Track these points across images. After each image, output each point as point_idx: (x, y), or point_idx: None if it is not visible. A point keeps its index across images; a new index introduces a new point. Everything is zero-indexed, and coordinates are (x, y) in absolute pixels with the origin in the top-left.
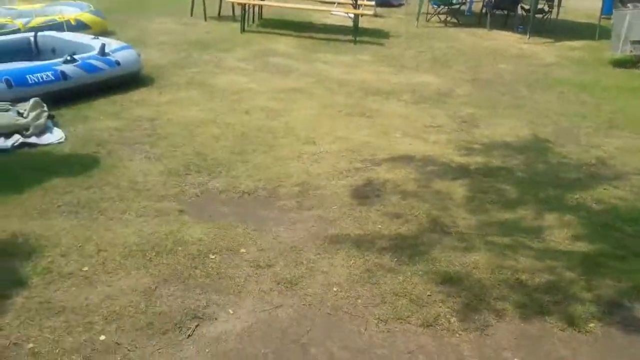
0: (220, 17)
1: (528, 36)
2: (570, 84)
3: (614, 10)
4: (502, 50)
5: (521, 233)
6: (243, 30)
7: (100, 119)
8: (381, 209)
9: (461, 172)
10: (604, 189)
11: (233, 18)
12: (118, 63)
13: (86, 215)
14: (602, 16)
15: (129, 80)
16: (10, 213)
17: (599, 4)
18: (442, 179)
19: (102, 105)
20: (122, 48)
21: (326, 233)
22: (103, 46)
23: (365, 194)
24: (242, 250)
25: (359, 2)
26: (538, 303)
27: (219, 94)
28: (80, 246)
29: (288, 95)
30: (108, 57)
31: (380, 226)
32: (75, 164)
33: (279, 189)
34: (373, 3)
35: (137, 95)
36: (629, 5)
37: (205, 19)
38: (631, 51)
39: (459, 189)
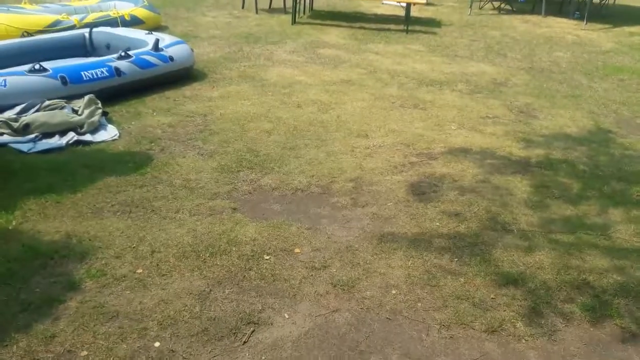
0: (271, 9)
1: (585, 22)
2: (630, 71)
3: None
4: (558, 37)
5: (586, 230)
6: (294, 22)
7: (154, 115)
8: (438, 206)
9: (521, 165)
10: None
11: (284, 10)
12: (171, 58)
13: (140, 215)
14: None
15: (181, 75)
16: (65, 213)
17: None
18: (501, 174)
19: (155, 101)
20: (176, 43)
21: (382, 231)
22: (157, 42)
23: (421, 189)
24: (297, 250)
25: None
26: (608, 305)
27: (270, 87)
28: (134, 247)
29: (339, 87)
30: (161, 52)
31: (438, 224)
32: (129, 162)
33: (332, 185)
34: None
35: (189, 90)
36: None
37: (257, 12)
38: None
39: (519, 184)
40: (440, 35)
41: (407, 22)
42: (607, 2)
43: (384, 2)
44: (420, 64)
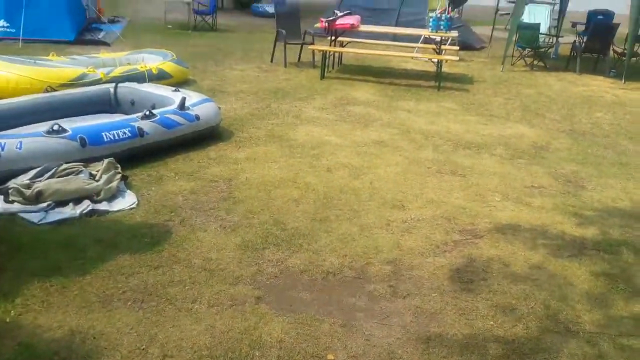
0: (299, 63)
1: (623, 81)
2: None
3: None
4: (596, 96)
5: None
6: (323, 76)
7: (176, 179)
8: (490, 298)
9: (577, 247)
10: None
11: (313, 64)
12: (198, 118)
13: (152, 306)
14: None
15: (207, 135)
16: (71, 301)
17: None
18: (557, 257)
19: (178, 163)
20: (203, 101)
21: (428, 332)
22: (183, 100)
23: (469, 276)
24: (330, 357)
25: (441, 47)
26: None
27: (298, 148)
28: (143, 349)
29: (371, 149)
30: (188, 111)
31: (492, 322)
32: (145, 236)
33: (368, 268)
34: (457, 47)
35: (214, 151)
36: None
37: (286, 65)
38: None
39: (577, 271)
40: (474, 93)
41: (439, 79)
42: None
43: (415, 56)
44: (455, 124)
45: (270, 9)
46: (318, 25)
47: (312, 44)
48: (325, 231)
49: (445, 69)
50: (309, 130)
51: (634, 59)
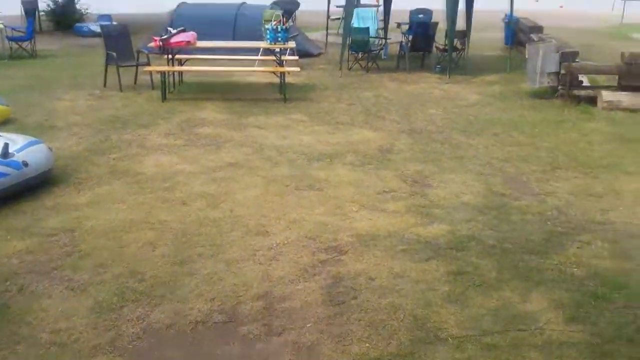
0: (137, 86)
1: (448, 76)
2: (500, 123)
3: (527, 45)
4: (427, 93)
5: (518, 325)
6: (164, 99)
7: (7, 238)
8: (362, 317)
9: (431, 249)
10: (577, 247)
11: (152, 86)
12: (26, 164)
13: None
14: (506, 47)
15: (40, 182)
16: None
17: (498, 35)
18: (416, 262)
19: (9, 218)
20: (30, 144)
21: None
22: (6, 147)
23: (340, 297)
24: None
25: (282, 58)
26: None
27: (147, 182)
28: None
29: (226, 172)
30: (12, 158)
31: (367, 344)
32: None
33: (239, 308)
34: (296, 57)
35: (50, 199)
36: (532, 36)
37: (121, 90)
38: (548, 82)
39: (436, 274)
40: (318, 101)
41: (284, 91)
42: (462, 54)
43: (257, 70)
44: (306, 136)
45: (96, 27)
46: (152, 44)
47: (148, 64)
48: (189, 274)
49: (288, 79)
50: (157, 161)
51: (455, 53)
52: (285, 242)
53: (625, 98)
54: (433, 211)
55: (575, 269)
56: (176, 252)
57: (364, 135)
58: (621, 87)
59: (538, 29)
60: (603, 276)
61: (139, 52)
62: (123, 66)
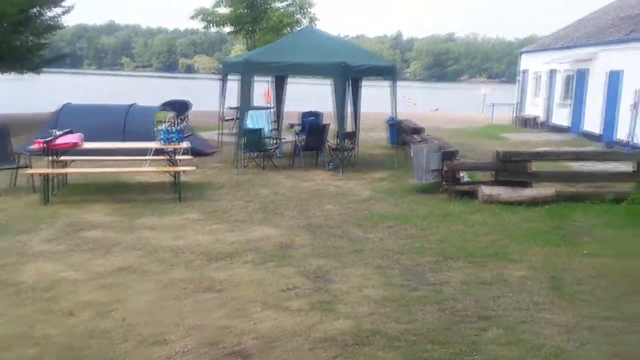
0: (15, 189)
1: (341, 173)
2: (393, 217)
3: (411, 145)
4: (322, 189)
5: None
6: (47, 201)
7: None
8: None
9: (338, 346)
10: (475, 335)
11: (32, 189)
12: None
13: None
14: (391, 146)
15: None
16: None
17: (384, 135)
18: None
19: None
20: None
21: None
22: None
23: None
24: None
25: (176, 157)
26: None
27: (27, 293)
28: None
29: (117, 279)
30: None
31: None
32: None
33: None
34: (191, 157)
35: None
36: (414, 137)
37: None
38: (433, 178)
39: None
40: (215, 200)
41: (179, 190)
42: (353, 152)
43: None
44: (203, 235)
45: None
46: (34, 146)
47: (29, 167)
48: None
49: (183, 178)
50: (38, 269)
51: (346, 152)
52: (185, 350)
53: (502, 191)
54: (337, 307)
55: (476, 357)
56: None
57: (263, 232)
58: (498, 182)
59: (419, 129)
60: None
61: (18, 154)
62: (0, 169)
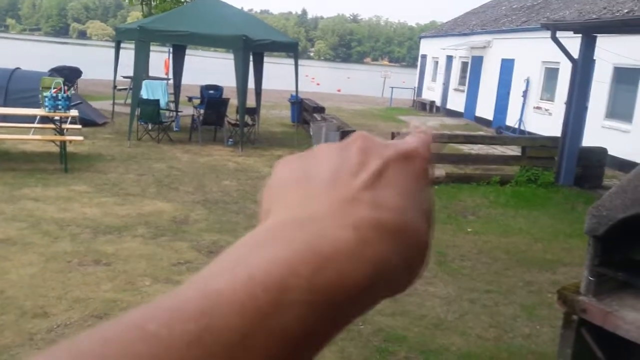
0: None
1: (241, 149)
2: None
3: (311, 124)
4: (221, 165)
5: None
6: None
7: None
8: None
9: None
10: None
11: None
12: None
13: None
14: (292, 124)
15: None
16: None
17: (285, 113)
18: None
19: None
20: None
21: None
22: None
23: None
24: None
25: (63, 126)
26: None
27: None
28: None
29: None
30: None
31: None
32: None
33: None
34: (79, 126)
35: None
36: (315, 116)
37: None
38: None
39: None
40: (105, 172)
41: (65, 161)
42: (253, 129)
43: (33, 138)
44: (91, 208)
45: None
46: None
47: None
48: None
49: (70, 148)
50: None
51: (246, 128)
52: (68, 322)
53: None
54: None
55: (362, 326)
56: None
57: (156, 207)
58: None
59: (320, 109)
60: (386, 332)
61: None
62: None
